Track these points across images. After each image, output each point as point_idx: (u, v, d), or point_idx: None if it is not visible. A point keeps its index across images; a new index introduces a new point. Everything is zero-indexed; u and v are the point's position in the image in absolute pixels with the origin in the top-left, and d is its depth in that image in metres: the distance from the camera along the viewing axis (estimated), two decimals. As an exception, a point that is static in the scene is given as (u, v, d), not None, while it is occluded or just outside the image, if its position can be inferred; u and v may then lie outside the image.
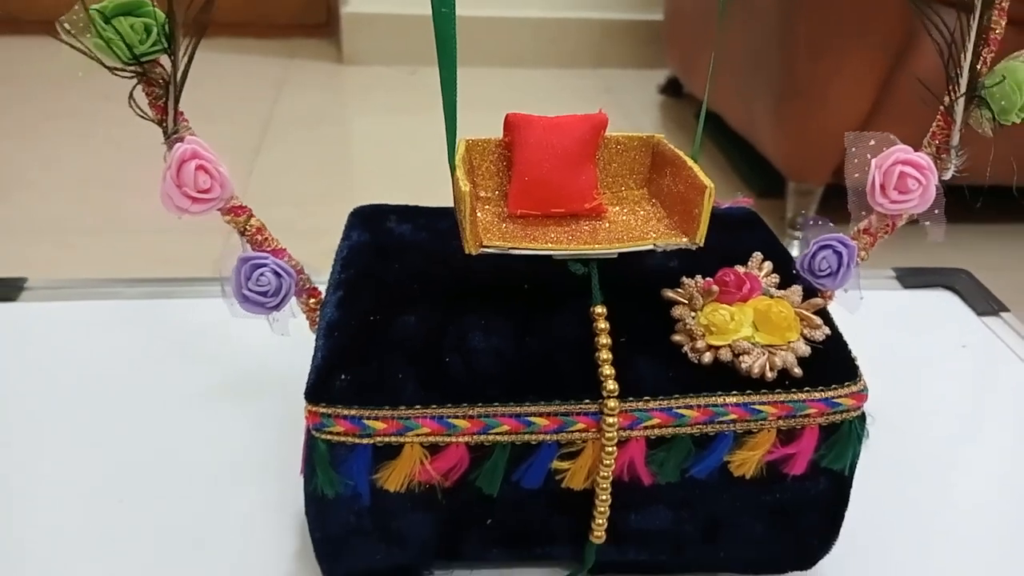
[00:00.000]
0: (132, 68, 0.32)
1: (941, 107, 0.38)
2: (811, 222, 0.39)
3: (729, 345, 0.35)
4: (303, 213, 1.17)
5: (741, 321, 0.35)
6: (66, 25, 0.31)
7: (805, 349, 0.35)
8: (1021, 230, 1.25)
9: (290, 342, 0.39)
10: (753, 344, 0.35)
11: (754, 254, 0.39)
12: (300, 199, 1.22)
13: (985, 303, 0.62)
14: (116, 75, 0.32)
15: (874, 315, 0.59)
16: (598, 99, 1.69)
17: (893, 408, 0.49)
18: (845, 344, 0.36)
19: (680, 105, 1.65)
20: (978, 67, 0.37)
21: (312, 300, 0.39)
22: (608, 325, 0.35)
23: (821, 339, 0.35)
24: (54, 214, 1.15)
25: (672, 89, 1.67)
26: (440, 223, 0.42)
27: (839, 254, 0.38)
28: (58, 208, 1.16)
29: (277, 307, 0.37)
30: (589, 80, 1.79)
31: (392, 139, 1.47)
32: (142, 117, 0.34)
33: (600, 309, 0.35)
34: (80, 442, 0.45)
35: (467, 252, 0.34)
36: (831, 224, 0.39)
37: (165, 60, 0.33)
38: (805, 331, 0.35)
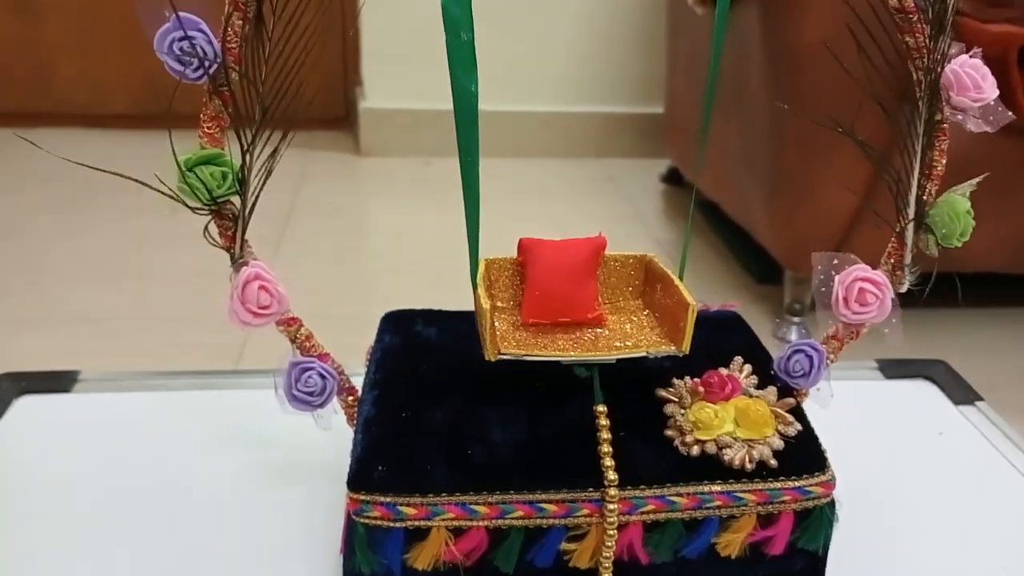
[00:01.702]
0: (209, 207, 0.39)
1: (894, 232, 0.44)
2: (785, 329, 0.45)
3: (714, 439, 0.40)
4: (324, 301, 1.24)
5: (724, 418, 0.41)
6: (157, 175, 0.38)
7: (779, 443, 0.40)
8: (1003, 314, 1.30)
9: (328, 435, 0.44)
10: (734, 438, 0.40)
11: (735, 358, 0.44)
12: (321, 287, 1.29)
13: (961, 393, 0.67)
14: (196, 213, 0.39)
15: (857, 404, 0.65)
16: (602, 187, 1.78)
17: (871, 492, 0.54)
18: (815, 438, 0.41)
19: (681, 193, 1.73)
20: (924, 198, 0.43)
21: (351, 398, 0.45)
22: (608, 422, 0.40)
23: (793, 434, 0.40)
24: (90, 304, 1.21)
25: (673, 178, 1.75)
26: (462, 326, 0.48)
27: (810, 357, 0.44)
28: (93, 299, 1.23)
29: (321, 405, 0.42)
30: (593, 170, 1.88)
31: (407, 227, 1.55)
32: (214, 245, 0.40)
33: (601, 408, 0.40)
34: (135, 526, 0.50)
35: (487, 359, 0.40)
36: (804, 331, 0.45)
37: (235, 198, 0.40)
38: (779, 427, 0.41)
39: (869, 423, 0.62)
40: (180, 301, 1.21)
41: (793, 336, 1.17)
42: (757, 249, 1.30)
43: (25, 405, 0.62)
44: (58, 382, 0.64)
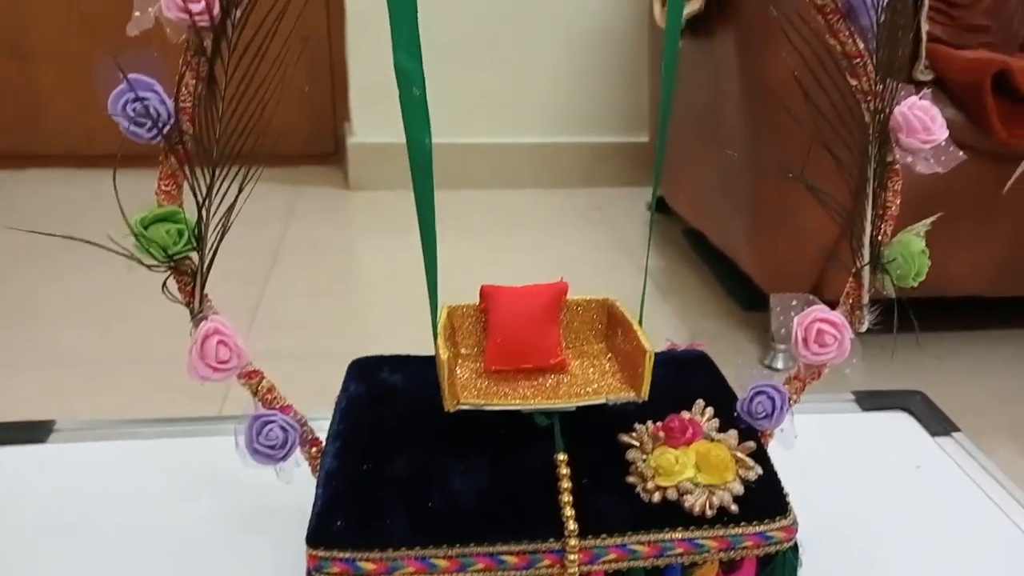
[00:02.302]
0: (166, 264, 0.39)
1: (852, 273, 0.44)
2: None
3: (675, 486, 0.40)
4: (311, 337, 1.24)
5: (685, 463, 0.40)
6: (111, 235, 0.38)
7: (740, 488, 0.40)
8: (985, 336, 1.30)
9: (300, 483, 0.44)
10: (695, 484, 0.40)
11: (697, 401, 0.44)
12: (309, 323, 1.29)
13: (938, 424, 0.67)
14: (152, 271, 0.39)
15: (834, 437, 0.65)
16: (589, 216, 1.79)
17: (844, 528, 0.53)
18: (777, 481, 0.41)
19: (667, 220, 1.74)
20: (879, 239, 0.43)
21: (314, 449, 0.45)
22: (569, 470, 0.40)
23: (754, 478, 0.40)
24: (78, 346, 1.21)
25: (660, 206, 1.76)
26: (428, 371, 0.48)
27: (772, 399, 0.44)
28: (82, 340, 1.23)
29: (284, 458, 0.42)
30: (581, 199, 1.89)
31: (396, 261, 1.55)
32: (172, 301, 0.40)
33: (562, 456, 0.40)
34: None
35: (446, 409, 0.40)
36: (765, 371, 0.45)
37: (193, 254, 0.40)
38: (740, 471, 0.41)
39: (845, 457, 0.62)
40: (169, 343, 1.20)
41: (779, 363, 1.17)
42: (743, 276, 1.30)
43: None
44: (33, 433, 0.64)
